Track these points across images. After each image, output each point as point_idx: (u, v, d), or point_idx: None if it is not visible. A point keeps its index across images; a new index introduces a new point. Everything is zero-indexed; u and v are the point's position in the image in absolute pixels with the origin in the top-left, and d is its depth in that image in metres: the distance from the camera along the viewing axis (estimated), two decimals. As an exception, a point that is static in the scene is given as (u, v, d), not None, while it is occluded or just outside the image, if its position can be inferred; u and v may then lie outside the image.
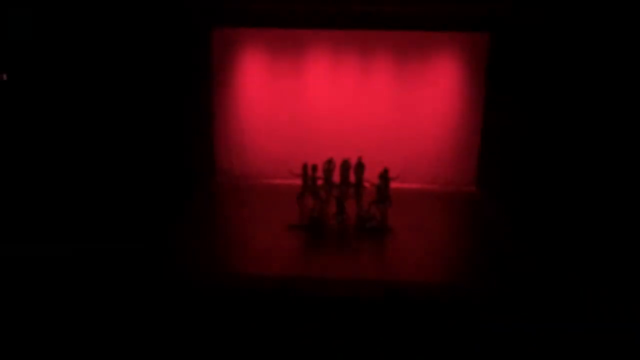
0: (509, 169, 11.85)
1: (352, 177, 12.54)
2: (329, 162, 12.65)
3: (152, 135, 10.42)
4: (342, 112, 14.11)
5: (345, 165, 12.62)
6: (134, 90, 9.70)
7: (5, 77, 7.95)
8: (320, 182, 12.08)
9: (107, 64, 8.62)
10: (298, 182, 11.93)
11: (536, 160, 10.40)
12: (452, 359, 6.01)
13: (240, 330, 6.32)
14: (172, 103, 11.36)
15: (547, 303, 7.83)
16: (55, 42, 7.74)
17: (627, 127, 7.71)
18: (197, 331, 6.29)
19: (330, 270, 9.40)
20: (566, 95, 9.36)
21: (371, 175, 12.04)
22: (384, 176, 11.40)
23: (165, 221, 11.05)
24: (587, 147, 8.67)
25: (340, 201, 11.34)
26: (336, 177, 12.71)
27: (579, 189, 8.88)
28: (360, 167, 12.41)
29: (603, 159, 8.24)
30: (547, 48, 9.87)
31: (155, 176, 10.65)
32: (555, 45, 9.55)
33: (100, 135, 8.70)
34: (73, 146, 8.13)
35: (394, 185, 11.62)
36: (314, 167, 11.85)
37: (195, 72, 12.76)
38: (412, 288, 8.13)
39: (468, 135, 14.08)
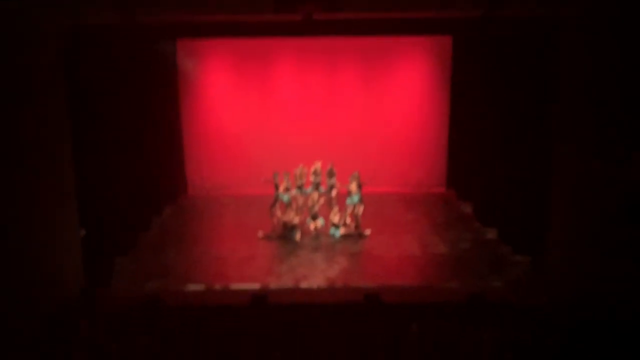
0: (478, 169, 12.03)
1: (324, 184, 12.52)
2: (300, 169, 12.60)
3: (118, 151, 10.17)
4: (311, 120, 14.12)
5: (317, 171, 12.59)
6: (100, 105, 9.48)
7: None
8: (292, 189, 12.00)
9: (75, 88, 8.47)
10: (270, 191, 11.83)
11: (504, 159, 10.57)
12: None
13: (218, 346, 6.20)
14: (139, 117, 11.15)
15: (526, 304, 7.92)
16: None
17: (595, 123, 7.87)
18: (173, 350, 6.14)
19: (307, 278, 9.34)
20: (531, 95, 9.56)
21: (343, 181, 12.06)
22: (355, 179, 11.41)
23: (134, 238, 10.81)
24: (553, 146, 8.84)
25: (313, 208, 11.28)
26: (308, 184, 12.66)
27: (548, 186, 9.05)
28: (331, 173, 12.41)
29: (572, 158, 8.41)
30: (512, 49, 10.07)
31: (123, 193, 10.39)
32: (520, 45, 9.74)
33: (66, 155, 8.47)
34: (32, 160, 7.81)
35: (365, 190, 11.64)
36: (286, 175, 11.77)
37: (160, 85, 12.57)
38: (390, 292, 8.14)
39: (436, 137, 14.26)
